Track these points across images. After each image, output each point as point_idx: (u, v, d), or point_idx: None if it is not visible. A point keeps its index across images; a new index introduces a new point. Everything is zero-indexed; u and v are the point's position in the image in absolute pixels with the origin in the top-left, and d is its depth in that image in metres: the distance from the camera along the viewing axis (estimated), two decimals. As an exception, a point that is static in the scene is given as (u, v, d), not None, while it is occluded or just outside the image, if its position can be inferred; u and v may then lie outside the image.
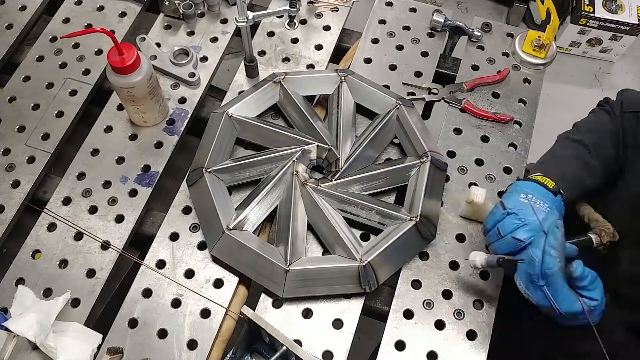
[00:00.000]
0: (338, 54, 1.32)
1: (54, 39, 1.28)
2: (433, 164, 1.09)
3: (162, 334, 0.99)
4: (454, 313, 1.01)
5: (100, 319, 1.04)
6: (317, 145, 1.13)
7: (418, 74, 1.26)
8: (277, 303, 1.02)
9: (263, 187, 1.08)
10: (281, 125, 1.18)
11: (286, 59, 1.28)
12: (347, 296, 1.03)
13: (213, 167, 1.08)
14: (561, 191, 0.99)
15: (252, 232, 1.06)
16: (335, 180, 1.09)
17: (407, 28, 1.33)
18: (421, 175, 1.08)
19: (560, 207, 0.98)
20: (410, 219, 1.03)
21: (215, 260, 1.05)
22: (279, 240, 1.05)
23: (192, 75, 1.22)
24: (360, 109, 1.20)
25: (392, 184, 1.11)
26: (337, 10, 1.35)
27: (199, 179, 1.07)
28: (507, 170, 1.15)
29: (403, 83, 1.25)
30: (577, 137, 1.12)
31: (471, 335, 1.00)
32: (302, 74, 1.21)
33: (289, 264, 1.00)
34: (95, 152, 1.16)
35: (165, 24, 1.31)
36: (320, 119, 1.17)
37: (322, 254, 1.07)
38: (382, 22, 1.34)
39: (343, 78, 1.18)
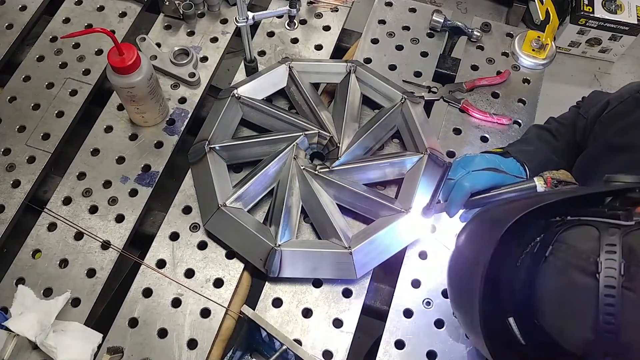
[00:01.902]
0: (338, 54, 1.33)
1: (54, 39, 1.28)
2: (431, 159, 1.09)
3: (162, 333, 0.99)
4: (453, 312, 1.01)
5: (101, 318, 1.04)
6: (319, 133, 1.14)
7: (418, 74, 1.27)
8: (277, 302, 1.03)
9: (262, 168, 1.09)
10: (286, 110, 1.20)
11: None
12: (347, 295, 1.03)
13: (215, 144, 1.10)
14: (515, 156, 1.02)
15: (247, 211, 1.07)
16: (333, 168, 1.10)
17: (406, 28, 1.33)
18: (417, 170, 1.09)
19: (513, 167, 1.01)
20: (402, 211, 1.04)
21: (212, 236, 1.06)
22: (272, 221, 1.06)
23: (192, 75, 1.23)
24: (365, 100, 1.22)
25: (389, 176, 1.13)
26: (337, 11, 1.35)
27: (202, 156, 1.10)
28: (507, 170, 1.15)
29: (403, 81, 1.25)
30: (544, 125, 1.15)
31: (471, 334, 1.00)
32: (311, 61, 1.23)
33: (279, 244, 1.01)
34: (95, 152, 1.16)
35: (166, 24, 1.32)
36: (325, 108, 1.19)
37: (314, 239, 1.08)
38: (382, 22, 1.34)
39: (352, 69, 1.19)
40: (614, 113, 0.98)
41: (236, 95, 1.15)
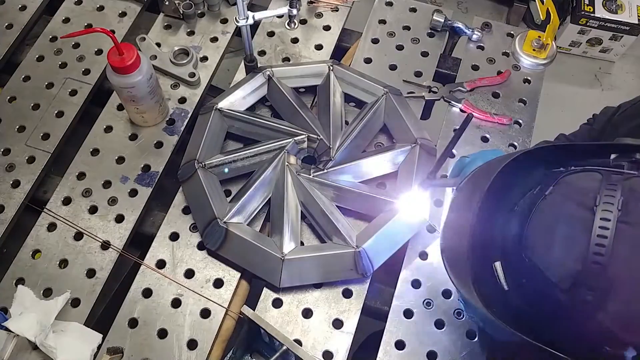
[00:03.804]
0: (338, 54, 1.32)
1: (54, 39, 1.28)
2: (423, 149, 1.10)
3: (162, 333, 0.99)
4: (453, 312, 1.02)
5: (101, 318, 1.04)
6: (308, 136, 1.14)
7: (418, 74, 1.26)
8: (277, 302, 1.02)
9: (255, 180, 1.08)
10: (270, 118, 1.19)
11: (286, 59, 1.28)
12: (347, 296, 1.03)
13: (205, 162, 1.09)
14: None
15: (247, 224, 1.07)
16: (328, 169, 1.09)
17: (407, 28, 1.33)
18: (411, 161, 1.09)
19: None
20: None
21: (213, 254, 1.05)
22: (273, 231, 1.06)
23: (192, 75, 1.22)
24: (349, 98, 1.22)
25: (384, 170, 1.12)
26: (337, 10, 1.35)
27: (192, 174, 1.08)
28: (507, 170, 1.15)
29: (404, 80, 1.25)
30: (554, 142, 1.14)
31: (471, 334, 1.00)
32: (289, 66, 1.23)
33: (285, 254, 1.00)
34: (95, 152, 1.16)
35: (165, 23, 1.31)
36: (309, 110, 1.19)
37: (319, 243, 1.08)
38: (382, 22, 1.34)
39: (331, 67, 1.19)
40: (625, 115, 0.98)
41: (219, 108, 1.14)
